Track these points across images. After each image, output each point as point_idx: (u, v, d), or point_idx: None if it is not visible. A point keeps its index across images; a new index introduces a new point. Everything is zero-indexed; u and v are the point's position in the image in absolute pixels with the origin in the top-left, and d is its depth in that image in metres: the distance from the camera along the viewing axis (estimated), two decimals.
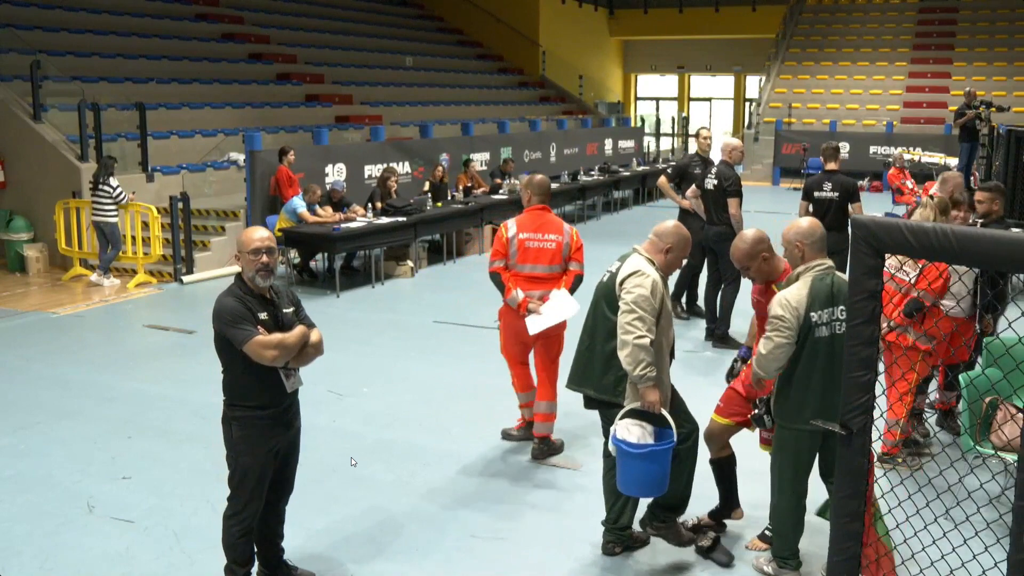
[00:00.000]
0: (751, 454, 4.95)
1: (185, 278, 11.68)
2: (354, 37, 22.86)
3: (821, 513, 4.43)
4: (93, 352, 8.67)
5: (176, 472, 5.81)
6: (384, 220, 11.75)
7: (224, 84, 16.86)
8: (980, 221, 6.26)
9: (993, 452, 5.12)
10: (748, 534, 4.88)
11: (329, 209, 11.68)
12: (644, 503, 4.72)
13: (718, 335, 8.64)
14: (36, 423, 6.67)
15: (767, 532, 4.65)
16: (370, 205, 12.26)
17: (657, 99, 36.09)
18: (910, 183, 15.93)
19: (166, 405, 7.07)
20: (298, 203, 11.40)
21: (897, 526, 3.68)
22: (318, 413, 6.41)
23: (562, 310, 5.85)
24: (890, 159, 18.27)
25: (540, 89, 27.72)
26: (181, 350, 8.70)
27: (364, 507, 5.30)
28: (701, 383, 7.05)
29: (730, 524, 4.96)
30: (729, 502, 4.88)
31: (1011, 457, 4.93)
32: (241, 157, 13.53)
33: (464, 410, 6.94)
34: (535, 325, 5.82)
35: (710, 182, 8.65)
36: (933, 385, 6.53)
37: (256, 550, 4.39)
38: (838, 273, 4.24)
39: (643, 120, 30.92)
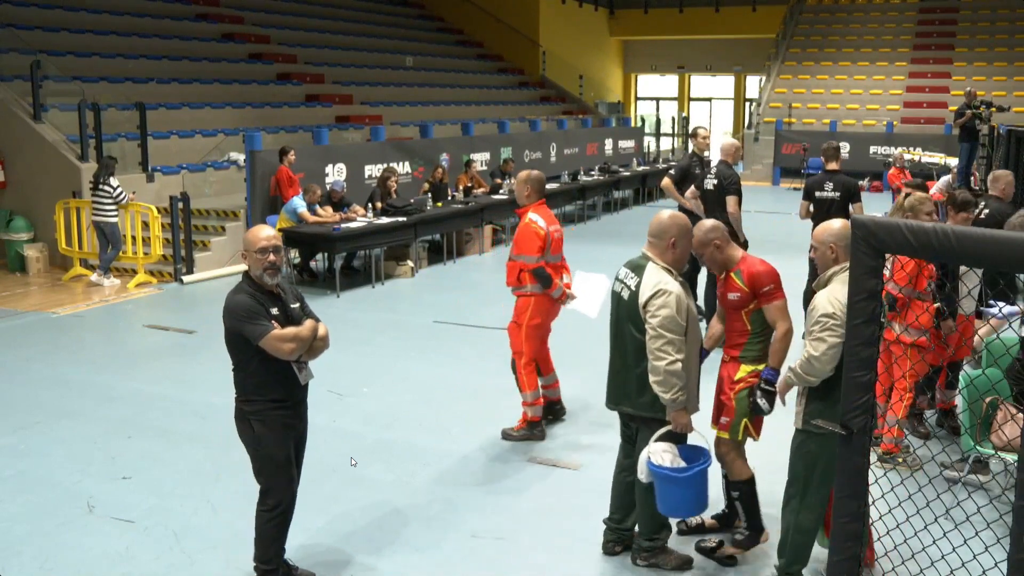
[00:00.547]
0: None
1: (185, 278, 11.68)
2: (354, 37, 22.87)
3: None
4: (93, 352, 8.68)
5: (176, 472, 5.81)
6: (384, 220, 11.75)
7: (224, 84, 16.87)
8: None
9: (993, 452, 5.12)
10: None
11: (329, 209, 11.68)
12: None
13: None
14: (36, 423, 6.67)
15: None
16: (370, 205, 12.26)
17: (657, 99, 36.10)
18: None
19: (166, 405, 7.08)
20: (298, 203, 11.40)
21: (897, 526, 3.68)
22: (318, 413, 6.39)
23: (595, 285, 6.36)
24: (890, 159, 18.26)
25: (540, 89, 27.73)
26: (181, 350, 8.70)
27: (364, 507, 5.30)
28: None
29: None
30: (756, 522, 4.71)
31: (1011, 457, 4.93)
32: (241, 157, 13.53)
33: (464, 410, 6.94)
34: (592, 306, 6.32)
35: (710, 182, 8.65)
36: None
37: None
38: None
39: (643, 120, 30.91)
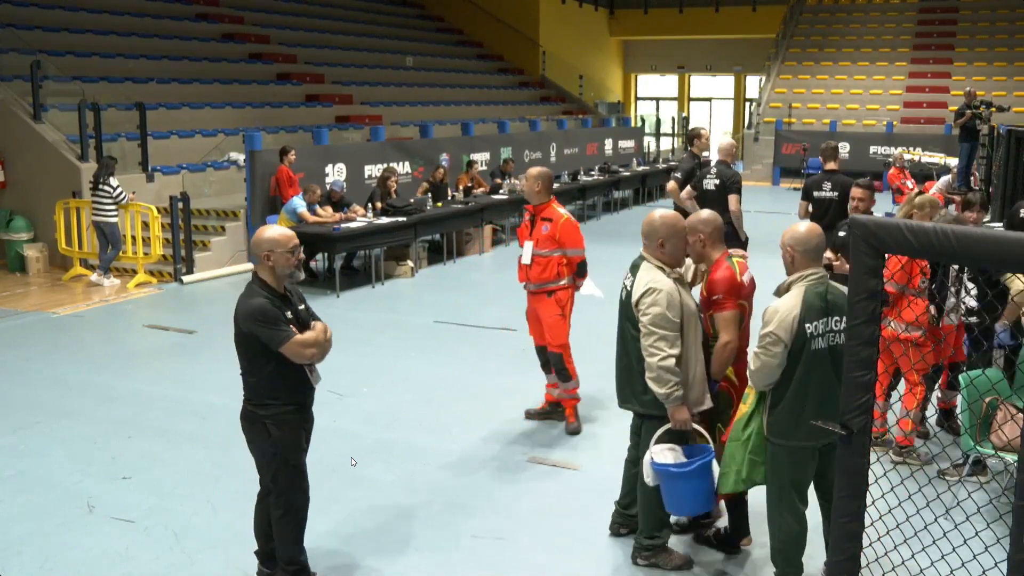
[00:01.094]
0: None
1: (185, 278, 11.68)
2: (354, 37, 22.87)
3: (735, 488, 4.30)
4: (93, 352, 8.68)
5: (176, 472, 5.81)
6: (384, 220, 11.75)
7: (224, 84, 16.86)
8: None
9: (993, 452, 5.12)
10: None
11: (329, 209, 11.68)
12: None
13: None
14: (36, 423, 6.67)
15: None
16: (370, 205, 12.26)
17: (657, 99, 36.10)
18: (910, 183, 15.93)
19: (166, 405, 7.08)
20: (298, 203, 11.40)
21: (897, 526, 3.68)
22: (318, 413, 6.36)
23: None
24: (890, 159, 18.27)
25: (540, 89, 27.73)
26: (181, 350, 8.70)
27: (364, 507, 5.30)
28: None
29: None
30: (739, 529, 4.76)
31: (1011, 457, 4.93)
32: (241, 157, 13.53)
33: (464, 410, 6.94)
34: (598, 289, 6.58)
35: (711, 182, 8.64)
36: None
37: (258, 546, 4.40)
38: (833, 283, 4.12)
39: (643, 120, 30.91)
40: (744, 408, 4.22)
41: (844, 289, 4.12)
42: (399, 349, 8.62)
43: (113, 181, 11.29)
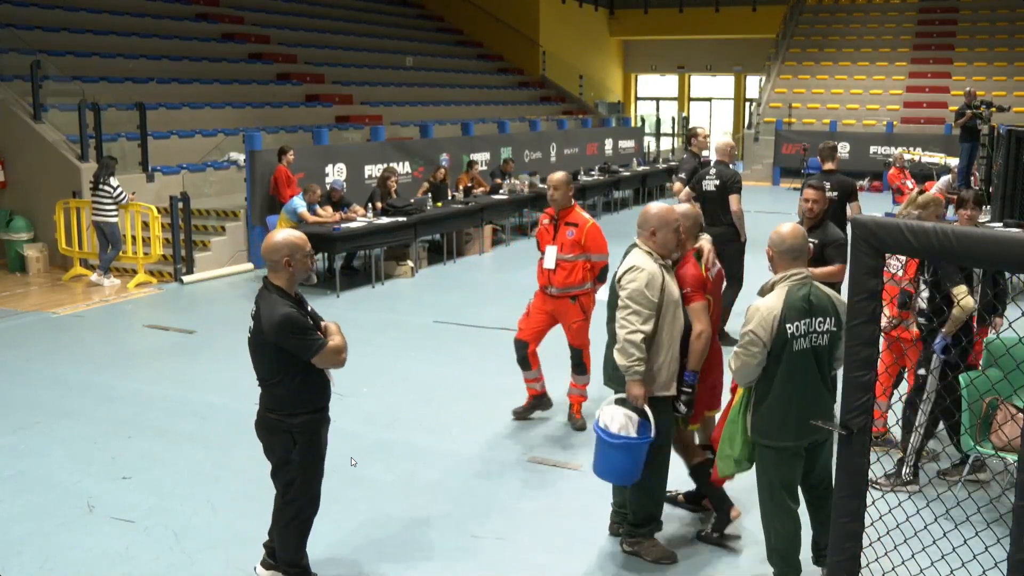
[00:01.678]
0: None
1: (185, 278, 11.68)
2: (354, 37, 22.87)
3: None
4: (93, 352, 8.68)
5: (176, 472, 5.81)
6: (384, 220, 11.75)
7: (224, 84, 16.86)
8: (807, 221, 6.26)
9: (993, 452, 5.12)
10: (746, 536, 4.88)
11: (329, 209, 11.68)
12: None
13: None
14: (36, 423, 6.67)
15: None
16: (370, 205, 12.26)
17: (657, 99, 36.09)
18: (910, 183, 15.94)
19: (166, 405, 7.08)
20: (298, 203, 11.40)
21: (897, 525, 3.68)
22: None
23: None
24: (890, 159, 18.28)
25: (540, 89, 27.73)
26: (181, 350, 8.70)
27: (364, 507, 5.30)
28: None
29: (743, 536, 4.94)
30: (722, 504, 4.87)
31: (1011, 457, 4.93)
32: (241, 157, 13.53)
33: (464, 410, 6.94)
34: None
35: (711, 183, 8.62)
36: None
37: (268, 540, 4.43)
38: (817, 284, 4.14)
39: (643, 120, 30.91)
40: (741, 392, 4.27)
41: (828, 291, 4.16)
42: (399, 349, 8.62)
43: (113, 181, 11.29)
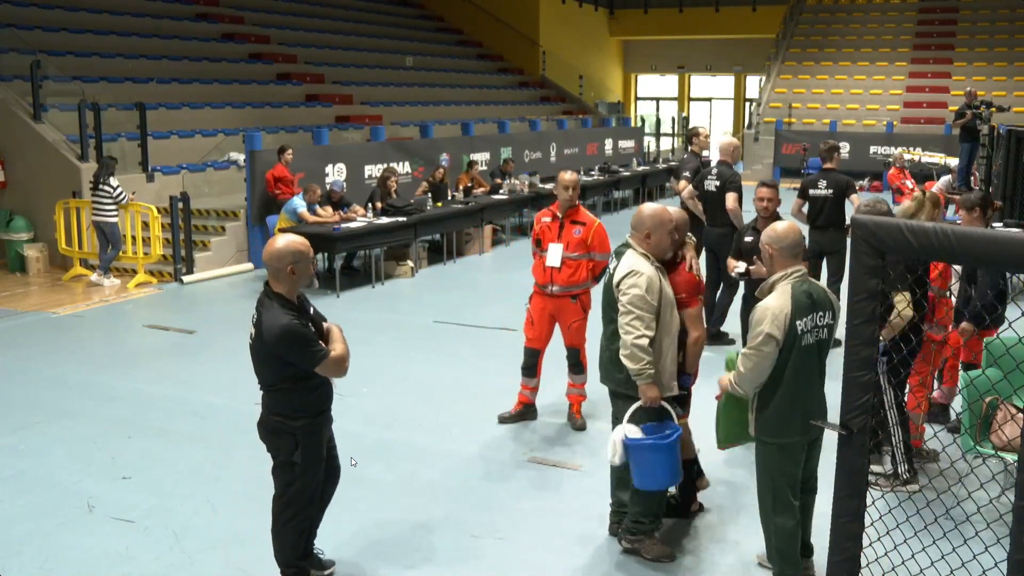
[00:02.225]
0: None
1: (185, 278, 11.68)
2: (354, 37, 22.87)
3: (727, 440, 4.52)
4: (93, 352, 8.68)
5: (176, 472, 5.81)
6: (384, 220, 11.75)
7: (224, 84, 16.86)
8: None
9: (993, 452, 5.12)
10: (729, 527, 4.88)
11: (329, 209, 11.68)
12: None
13: (711, 332, 8.61)
14: (36, 423, 6.67)
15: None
16: (370, 205, 12.26)
17: (657, 99, 36.10)
18: (910, 183, 15.95)
19: (166, 405, 7.07)
20: (298, 203, 11.40)
21: (897, 525, 3.68)
22: None
23: None
24: (890, 159, 18.29)
25: (540, 89, 27.73)
26: (181, 350, 8.70)
27: (364, 507, 5.29)
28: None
29: (732, 532, 4.94)
30: (688, 494, 5.10)
31: (1011, 457, 4.93)
32: (241, 157, 13.53)
33: (464, 410, 6.94)
34: None
35: (711, 183, 8.62)
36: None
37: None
38: (812, 279, 4.18)
39: (643, 120, 30.91)
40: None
41: (821, 284, 4.23)
42: (399, 349, 8.61)
43: (113, 181, 11.29)
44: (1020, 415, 5.09)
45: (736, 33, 30.91)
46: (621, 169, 19.56)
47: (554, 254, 6.32)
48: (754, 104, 29.33)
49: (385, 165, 13.55)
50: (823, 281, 8.10)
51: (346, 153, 13.98)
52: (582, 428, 6.49)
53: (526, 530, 5.04)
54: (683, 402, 4.68)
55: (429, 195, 13.29)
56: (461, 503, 5.38)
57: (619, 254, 4.65)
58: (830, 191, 8.45)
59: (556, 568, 4.66)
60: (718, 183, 8.57)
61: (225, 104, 16.12)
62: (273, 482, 4.28)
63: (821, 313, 4.07)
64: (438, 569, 4.66)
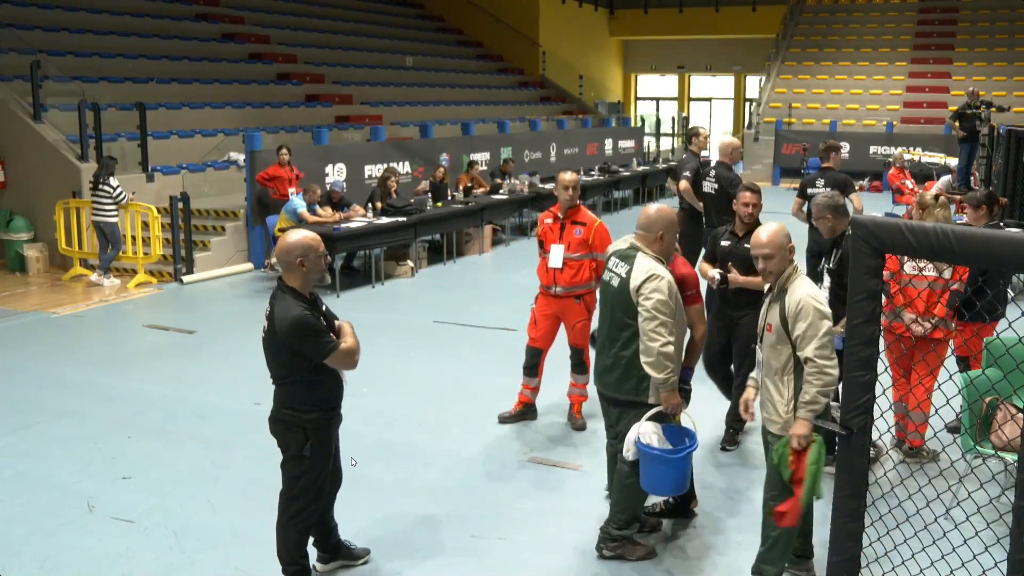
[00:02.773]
0: None
1: (185, 278, 11.68)
2: (354, 37, 22.87)
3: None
4: (93, 352, 8.68)
5: (176, 472, 5.81)
6: (384, 220, 11.75)
7: (224, 84, 16.86)
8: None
9: (993, 452, 5.12)
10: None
11: (329, 209, 11.68)
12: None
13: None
14: (36, 423, 6.67)
15: None
16: (370, 205, 12.26)
17: (657, 99, 36.09)
18: (910, 183, 15.94)
19: (166, 405, 7.07)
20: (298, 203, 11.41)
21: (897, 526, 3.69)
22: None
23: None
24: (890, 159, 18.28)
25: (540, 89, 27.72)
26: (181, 350, 8.70)
27: (364, 507, 5.29)
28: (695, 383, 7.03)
29: (735, 535, 4.95)
30: (688, 494, 5.04)
31: (1011, 457, 4.93)
32: (241, 157, 13.53)
33: (464, 410, 6.94)
34: None
35: (709, 185, 8.61)
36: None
37: (314, 540, 4.51)
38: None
39: (643, 120, 30.91)
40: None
41: None
42: (399, 349, 8.61)
43: (113, 181, 11.29)
44: (1020, 415, 5.09)
45: (736, 33, 30.91)
46: (621, 169, 19.56)
47: (556, 255, 6.32)
48: (754, 104, 29.33)
49: (385, 165, 13.55)
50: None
51: (346, 153, 13.98)
52: (582, 428, 6.49)
53: (526, 530, 5.04)
54: (685, 397, 4.67)
55: (429, 195, 13.29)
56: (461, 503, 5.38)
57: (627, 257, 4.54)
58: (828, 190, 8.45)
59: (556, 568, 4.66)
60: (717, 186, 8.56)
61: (225, 104, 16.12)
62: (281, 478, 4.30)
63: None
64: (438, 569, 4.66)
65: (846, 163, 16.29)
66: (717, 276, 5.94)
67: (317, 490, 4.27)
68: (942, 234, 2.84)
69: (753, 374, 4.41)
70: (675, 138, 29.62)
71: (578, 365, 6.56)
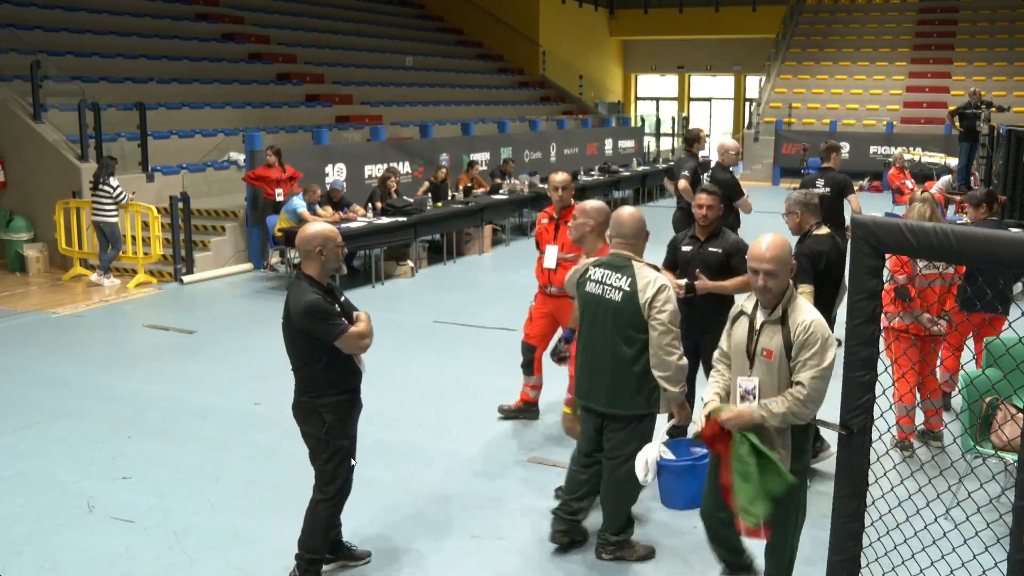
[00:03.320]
0: None
1: (185, 278, 11.67)
2: (354, 37, 22.86)
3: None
4: (93, 352, 8.67)
5: (176, 472, 5.81)
6: (384, 220, 11.75)
7: (224, 84, 16.86)
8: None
9: (993, 452, 5.12)
10: None
11: (329, 209, 11.68)
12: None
13: None
14: (36, 423, 6.67)
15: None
16: (370, 205, 12.26)
17: (657, 99, 36.09)
18: (910, 183, 15.94)
19: (166, 405, 7.07)
20: (298, 203, 11.41)
21: (897, 526, 3.68)
22: None
23: None
24: (890, 159, 18.28)
25: (540, 89, 27.72)
26: (181, 350, 8.70)
27: (364, 507, 5.29)
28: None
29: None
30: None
31: (1011, 457, 4.93)
32: (241, 157, 13.53)
33: (464, 410, 6.94)
34: None
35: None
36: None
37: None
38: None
39: (643, 120, 30.91)
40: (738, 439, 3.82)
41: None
42: (399, 349, 8.61)
43: (113, 181, 11.29)
44: (1020, 415, 5.09)
45: (736, 33, 30.90)
46: (621, 169, 19.57)
47: (550, 255, 6.31)
48: (754, 104, 29.33)
49: (386, 165, 13.55)
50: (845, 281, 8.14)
51: (346, 153, 13.98)
52: None
53: (526, 530, 5.04)
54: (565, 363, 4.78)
55: (429, 195, 13.29)
56: (461, 503, 5.38)
57: (621, 268, 4.36)
58: (827, 190, 8.47)
59: (556, 568, 4.66)
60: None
61: (225, 104, 16.12)
62: (313, 469, 4.37)
63: None
64: (438, 568, 4.66)
65: (846, 163, 16.27)
66: (683, 284, 5.66)
67: (345, 476, 4.35)
68: (942, 234, 2.84)
69: (715, 389, 4.01)
70: (675, 138, 29.63)
71: None
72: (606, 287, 4.40)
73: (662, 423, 5.08)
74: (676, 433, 4.49)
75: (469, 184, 14.80)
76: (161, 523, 5.11)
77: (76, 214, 11.93)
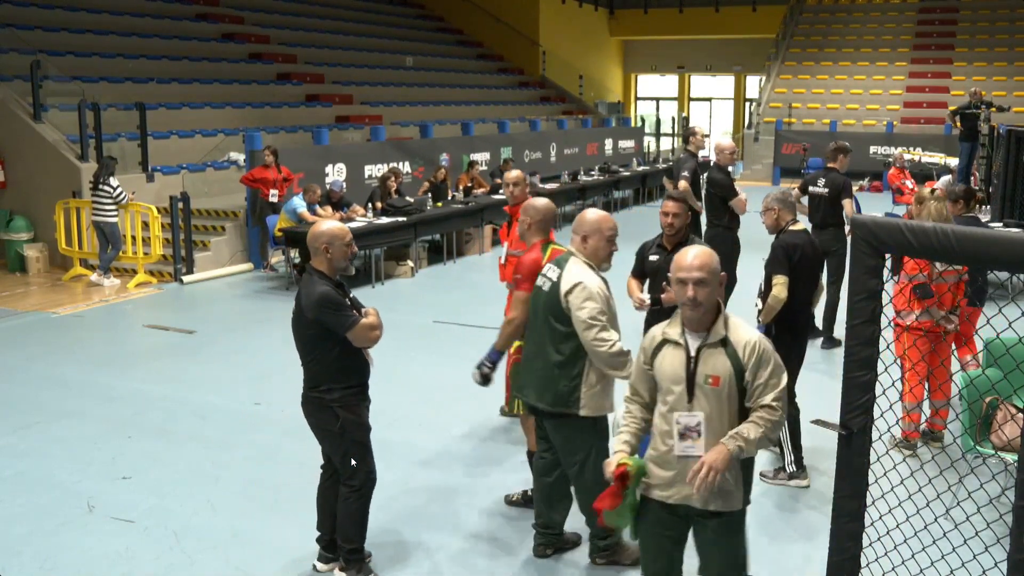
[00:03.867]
0: None
1: (185, 278, 11.68)
2: (354, 37, 22.87)
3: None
4: (93, 352, 8.68)
5: (176, 472, 5.82)
6: (384, 220, 11.75)
7: (224, 84, 16.87)
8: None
9: (993, 452, 5.12)
10: None
11: (329, 209, 11.68)
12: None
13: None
14: (36, 423, 6.67)
15: None
16: (370, 205, 12.27)
17: (657, 99, 36.09)
18: (910, 183, 15.94)
19: (166, 405, 7.08)
20: (298, 203, 11.41)
21: (897, 526, 3.68)
22: None
23: None
24: (890, 159, 18.28)
25: (540, 89, 27.72)
26: (181, 350, 8.70)
27: None
28: None
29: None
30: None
31: (1011, 457, 4.93)
32: (241, 157, 13.53)
33: (464, 410, 6.94)
34: None
35: (704, 187, 8.63)
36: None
37: (321, 533, 4.56)
38: None
39: (643, 120, 30.91)
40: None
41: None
42: (399, 349, 8.61)
43: (113, 181, 11.29)
44: (1020, 415, 5.09)
45: (736, 33, 30.91)
46: (621, 169, 19.57)
47: (503, 252, 6.29)
48: (754, 104, 29.34)
49: (387, 165, 13.55)
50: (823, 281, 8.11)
51: (346, 153, 13.98)
52: None
53: (526, 531, 5.04)
54: (485, 378, 4.84)
55: (429, 195, 13.30)
56: (461, 503, 5.38)
57: (561, 262, 4.42)
58: (826, 190, 8.48)
59: (556, 568, 4.66)
60: (708, 188, 8.58)
61: (225, 104, 16.12)
62: (336, 466, 4.40)
63: None
64: (438, 568, 4.66)
65: None
66: (647, 299, 5.51)
67: (369, 467, 4.37)
68: (942, 234, 2.84)
69: (626, 438, 3.53)
70: (675, 138, 29.62)
71: None
72: (545, 279, 4.49)
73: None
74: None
75: (469, 184, 14.81)
76: (161, 523, 5.11)
77: (76, 214, 11.93)
